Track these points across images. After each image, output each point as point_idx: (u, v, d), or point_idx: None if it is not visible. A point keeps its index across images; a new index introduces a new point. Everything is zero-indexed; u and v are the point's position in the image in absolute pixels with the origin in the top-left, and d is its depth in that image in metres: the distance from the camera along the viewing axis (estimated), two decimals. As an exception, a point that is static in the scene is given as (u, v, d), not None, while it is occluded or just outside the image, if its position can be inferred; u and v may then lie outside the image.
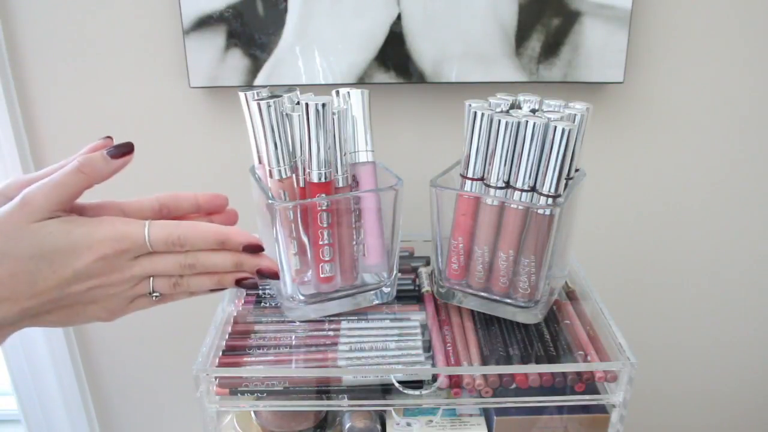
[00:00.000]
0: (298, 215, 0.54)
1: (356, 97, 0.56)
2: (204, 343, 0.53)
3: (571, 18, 0.68)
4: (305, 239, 0.55)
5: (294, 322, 0.58)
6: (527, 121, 0.50)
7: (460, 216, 0.55)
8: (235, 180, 0.68)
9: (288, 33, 0.69)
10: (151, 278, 0.41)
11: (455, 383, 0.51)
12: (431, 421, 0.55)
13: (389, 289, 0.60)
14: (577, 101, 0.55)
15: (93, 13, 0.72)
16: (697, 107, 0.75)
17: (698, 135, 0.77)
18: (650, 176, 0.79)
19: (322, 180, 0.53)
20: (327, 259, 0.55)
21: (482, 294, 0.57)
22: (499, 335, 0.56)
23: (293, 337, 0.56)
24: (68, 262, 0.38)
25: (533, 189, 0.52)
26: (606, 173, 0.79)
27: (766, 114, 0.75)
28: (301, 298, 0.57)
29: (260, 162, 0.55)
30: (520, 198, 0.52)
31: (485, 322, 0.58)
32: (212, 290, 0.45)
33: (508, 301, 0.56)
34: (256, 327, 0.57)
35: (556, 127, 0.49)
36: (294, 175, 0.54)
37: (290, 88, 0.55)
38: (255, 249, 0.43)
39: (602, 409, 0.54)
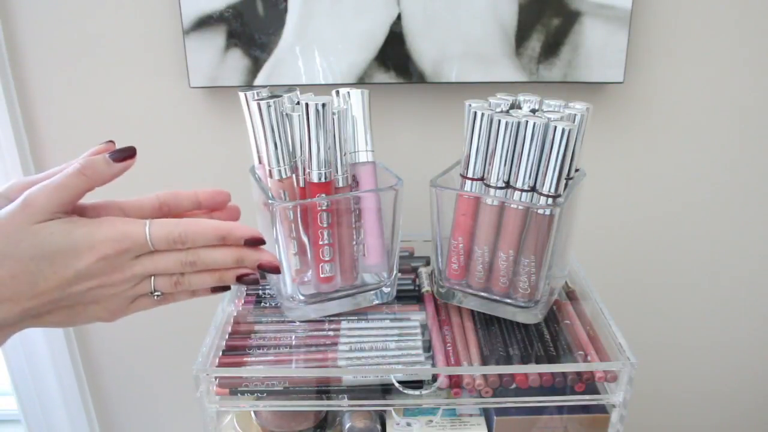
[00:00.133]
0: (298, 215, 0.54)
1: (356, 97, 0.56)
2: (204, 343, 0.53)
3: (571, 18, 0.68)
4: (305, 239, 0.55)
5: (294, 322, 0.58)
6: (527, 121, 0.50)
7: (460, 216, 0.55)
8: (235, 180, 0.68)
9: (288, 33, 0.69)
10: (153, 277, 0.42)
11: (455, 383, 0.51)
12: (431, 421, 0.55)
13: (389, 289, 0.60)
14: (577, 101, 0.55)
15: (93, 14, 0.72)
16: (697, 107, 0.75)
17: (698, 135, 0.77)
18: (650, 176, 0.79)
19: (322, 180, 0.53)
20: (327, 259, 0.55)
21: (482, 294, 0.57)
22: (499, 335, 0.56)
23: (293, 337, 0.56)
24: (69, 263, 0.38)
25: (533, 189, 0.52)
26: (606, 173, 0.79)
27: (766, 114, 0.75)
28: (301, 298, 0.57)
29: (260, 162, 0.55)
30: (520, 198, 0.52)
31: (485, 322, 0.58)
32: (213, 290, 0.45)
33: (508, 301, 0.56)
34: (256, 327, 0.57)
35: (556, 127, 0.49)
36: (294, 175, 0.54)
37: (290, 88, 0.55)
38: (256, 242, 0.43)
39: (602, 409, 0.54)
